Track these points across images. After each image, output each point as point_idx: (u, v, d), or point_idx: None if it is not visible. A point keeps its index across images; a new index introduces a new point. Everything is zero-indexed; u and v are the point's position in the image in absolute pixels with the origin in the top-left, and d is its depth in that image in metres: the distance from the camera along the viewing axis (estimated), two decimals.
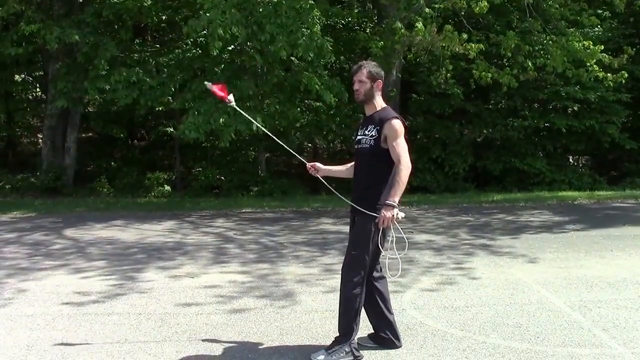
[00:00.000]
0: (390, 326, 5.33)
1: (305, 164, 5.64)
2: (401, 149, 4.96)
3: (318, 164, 5.62)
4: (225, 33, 13.59)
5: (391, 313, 5.37)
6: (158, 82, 16.18)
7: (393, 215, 4.83)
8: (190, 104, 15.72)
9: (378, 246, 5.04)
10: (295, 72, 16.18)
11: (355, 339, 5.14)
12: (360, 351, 5.10)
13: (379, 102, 5.24)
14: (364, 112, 5.35)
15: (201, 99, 15.57)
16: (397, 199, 4.85)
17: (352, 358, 5.04)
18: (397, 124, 5.02)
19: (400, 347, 5.32)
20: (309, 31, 14.24)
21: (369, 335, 5.42)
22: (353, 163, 5.49)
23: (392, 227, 5.04)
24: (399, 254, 5.11)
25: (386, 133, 5.01)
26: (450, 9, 16.75)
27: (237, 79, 15.70)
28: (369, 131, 5.13)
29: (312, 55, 14.54)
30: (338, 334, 5.14)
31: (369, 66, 5.23)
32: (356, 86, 5.22)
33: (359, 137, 5.24)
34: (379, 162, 5.02)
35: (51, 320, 6.14)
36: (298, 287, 7.50)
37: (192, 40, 18.87)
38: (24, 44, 16.94)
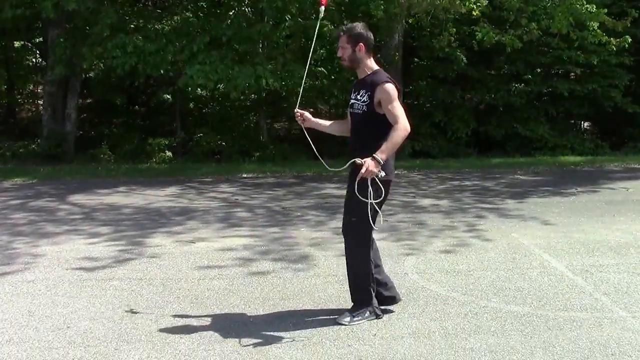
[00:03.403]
0: (384, 285, 5.34)
1: (295, 110, 5.46)
2: (398, 111, 4.87)
3: (307, 114, 5.45)
4: None
5: (382, 273, 5.37)
6: (157, 48, 16.06)
7: (375, 171, 4.74)
8: (195, 55, 15.67)
9: (376, 208, 5.00)
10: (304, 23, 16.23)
11: (375, 299, 5.20)
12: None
13: (369, 65, 5.14)
14: (356, 76, 5.28)
15: (206, 52, 15.53)
16: (384, 157, 4.76)
17: (374, 317, 5.14)
18: (390, 87, 4.93)
19: (400, 300, 5.37)
20: None
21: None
22: (342, 120, 5.55)
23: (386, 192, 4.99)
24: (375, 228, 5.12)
25: (380, 97, 4.93)
26: None
27: (244, 32, 15.71)
28: (360, 96, 5.06)
29: None
30: (353, 298, 5.22)
31: (349, 30, 5.12)
32: (339, 53, 5.15)
33: (352, 102, 5.18)
34: (373, 127, 4.95)
35: (52, 286, 6.15)
36: (305, 251, 7.51)
37: (191, 6, 18.71)
38: (22, 7, 16.70)
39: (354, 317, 5.11)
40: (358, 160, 4.83)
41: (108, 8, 16.24)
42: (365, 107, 5.02)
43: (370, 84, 5.01)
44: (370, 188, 4.88)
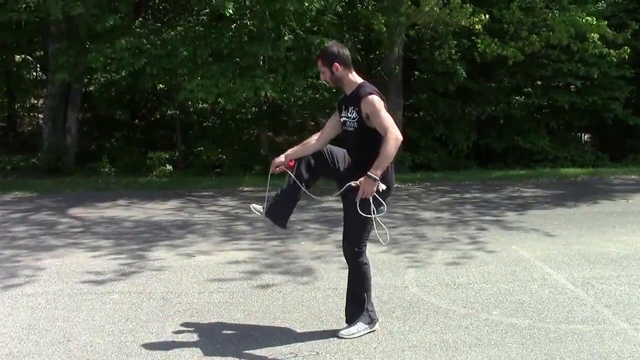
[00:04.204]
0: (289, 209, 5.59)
1: (273, 169, 5.63)
2: (387, 122, 4.82)
3: (278, 159, 5.51)
4: None
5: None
6: (164, 53, 16.07)
7: (372, 190, 4.76)
8: (198, 70, 15.71)
9: (368, 214, 4.93)
10: (305, 36, 16.29)
11: (371, 306, 5.24)
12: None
13: (352, 80, 5.09)
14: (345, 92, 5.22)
15: (207, 66, 15.56)
16: (379, 173, 4.74)
17: (370, 320, 5.19)
18: (375, 99, 4.88)
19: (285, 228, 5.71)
20: None
21: (266, 204, 5.66)
22: (314, 139, 5.30)
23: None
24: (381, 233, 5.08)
25: (366, 111, 4.89)
26: None
27: (245, 47, 15.75)
28: (350, 113, 5.02)
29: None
30: (351, 307, 5.23)
31: (322, 53, 5.11)
32: (321, 77, 5.21)
33: (344, 119, 5.12)
34: (369, 141, 4.93)
35: (52, 300, 6.14)
36: (306, 264, 7.50)
37: (194, 17, 18.75)
38: (26, 12, 16.64)
39: (354, 330, 5.13)
40: (353, 183, 4.83)
41: (109, 13, 16.29)
42: (355, 124, 4.99)
43: (357, 99, 4.96)
44: (372, 205, 4.87)
